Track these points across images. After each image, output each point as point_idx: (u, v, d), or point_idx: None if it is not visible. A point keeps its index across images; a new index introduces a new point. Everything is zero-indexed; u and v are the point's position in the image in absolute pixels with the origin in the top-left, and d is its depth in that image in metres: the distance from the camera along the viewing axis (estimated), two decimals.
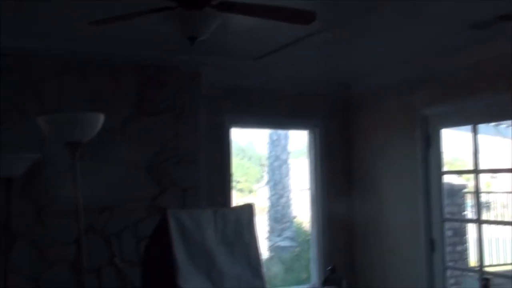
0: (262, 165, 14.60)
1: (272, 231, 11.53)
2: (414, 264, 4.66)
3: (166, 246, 2.79)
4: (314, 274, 5.32)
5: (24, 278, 3.78)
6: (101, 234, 4.06)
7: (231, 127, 4.95)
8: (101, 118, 3.09)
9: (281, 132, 11.63)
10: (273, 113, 5.12)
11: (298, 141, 12.10)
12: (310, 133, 5.44)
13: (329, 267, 3.51)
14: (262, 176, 14.86)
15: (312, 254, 5.43)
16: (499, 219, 8.80)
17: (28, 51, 3.87)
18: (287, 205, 11.96)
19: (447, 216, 4.82)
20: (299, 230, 11.21)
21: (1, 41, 3.62)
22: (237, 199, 4.95)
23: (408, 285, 4.69)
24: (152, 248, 3.01)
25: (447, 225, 4.75)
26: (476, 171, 4.32)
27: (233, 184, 4.94)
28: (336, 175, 5.35)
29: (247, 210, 3.32)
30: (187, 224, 2.88)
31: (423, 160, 4.63)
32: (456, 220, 6.96)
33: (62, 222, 3.90)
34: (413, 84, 4.67)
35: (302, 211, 10.52)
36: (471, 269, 6.55)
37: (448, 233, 4.84)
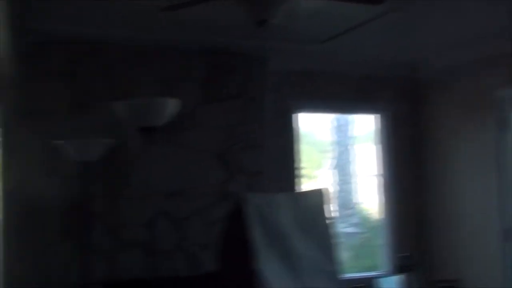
0: (324, 151, 14.45)
1: (337, 217, 11.41)
2: (487, 253, 4.49)
3: (243, 229, 2.80)
4: (384, 261, 5.22)
5: (101, 258, 3.92)
6: (172, 218, 4.15)
7: (296, 113, 4.92)
8: (175, 103, 3.13)
9: (345, 117, 11.45)
10: (340, 97, 5.04)
11: (363, 126, 11.88)
12: (378, 117, 5.32)
13: (404, 255, 3.42)
14: (323, 162, 14.72)
15: (382, 241, 5.34)
16: None
17: (101, 38, 4.00)
18: (352, 192, 11.81)
19: None
20: (365, 217, 11.04)
21: (75, 30, 3.77)
22: (299, 185, 4.91)
23: (481, 275, 4.53)
24: (228, 232, 3.02)
25: None
26: None
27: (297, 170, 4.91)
28: (406, 160, 5.22)
29: (320, 195, 3.29)
30: (264, 208, 2.88)
31: (498, 144, 4.44)
32: None
33: (136, 205, 4.02)
34: (487, 64, 4.46)
35: (367, 197, 10.35)
36: None
37: None
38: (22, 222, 3.92)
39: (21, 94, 3.99)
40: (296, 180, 4.82)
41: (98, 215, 3.95)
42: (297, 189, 4.80)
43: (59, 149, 3.63)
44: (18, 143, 3.97)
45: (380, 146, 5.32)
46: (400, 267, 3.40)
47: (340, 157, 11.85)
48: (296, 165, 4.84)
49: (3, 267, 3.81)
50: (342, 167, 11.80)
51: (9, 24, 2.80)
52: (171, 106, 3.11)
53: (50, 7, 3.44)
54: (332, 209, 3.74)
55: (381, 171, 5.30)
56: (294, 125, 4.88)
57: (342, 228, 11.03)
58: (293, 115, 4.88)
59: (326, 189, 3.45)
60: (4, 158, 3.95)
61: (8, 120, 3.97)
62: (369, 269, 5.31)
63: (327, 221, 3.20)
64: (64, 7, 3.44)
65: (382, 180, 5.30)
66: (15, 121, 3.97)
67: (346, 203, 11.64)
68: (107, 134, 3.92)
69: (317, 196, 3.29)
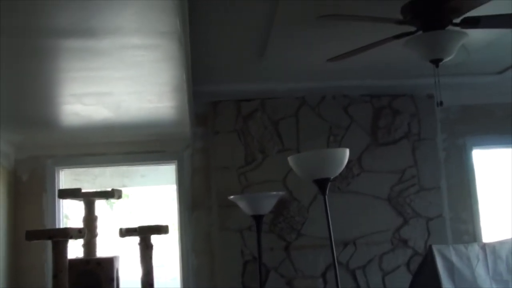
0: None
1: None
2: None
3: (433, 283, 2.59)
4: None
5: None
6: (346, 268, 4.03)
7: (472, 149, 4.57)
8: (347, 153, 3.06)
9: None
10: None
11: None
12: None
13: None
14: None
15: None
16: None
17: (268, 93, 4.14)
18: None
19: None
20: None
21: (246, 88, 3.95)
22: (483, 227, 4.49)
23: None
24: (417, 286, 2.83)
25: None
26: None
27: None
28: None
29: None
30: (455, 261, 2.65)
31: None
32: None
33: (309, 256, 3.99)
34: None
35: None
36: None
37: None
38: (203, 270, 4.11)
39: (200, 151, 4.26)
40: (480, 223, 4.43)
41: (273, 266, 3.98)
42: (483, 232, 4.41)
43: (234, 204, 3.74)
44: (196, 198, 4.21)
45: None
46: None
47: None
48: (478, 206, 4.46)
49: None
50: None
51: (188, 89, 3.00)
52: (343, 156, 3.05)
53: (218, 69, 3.65)
54: None
55: None
56: (471, 162, 4.53)
57: None
58: (470, 152, 4.54)
59: None
60: (182, 214, 4.21)
61: (183, 178, 4.25)
62: None
63: None
64: (230, 67, 3.62)
65: None
66: (192, 178, 4.23)
67: None
68: (277, 186, 4.01)
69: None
